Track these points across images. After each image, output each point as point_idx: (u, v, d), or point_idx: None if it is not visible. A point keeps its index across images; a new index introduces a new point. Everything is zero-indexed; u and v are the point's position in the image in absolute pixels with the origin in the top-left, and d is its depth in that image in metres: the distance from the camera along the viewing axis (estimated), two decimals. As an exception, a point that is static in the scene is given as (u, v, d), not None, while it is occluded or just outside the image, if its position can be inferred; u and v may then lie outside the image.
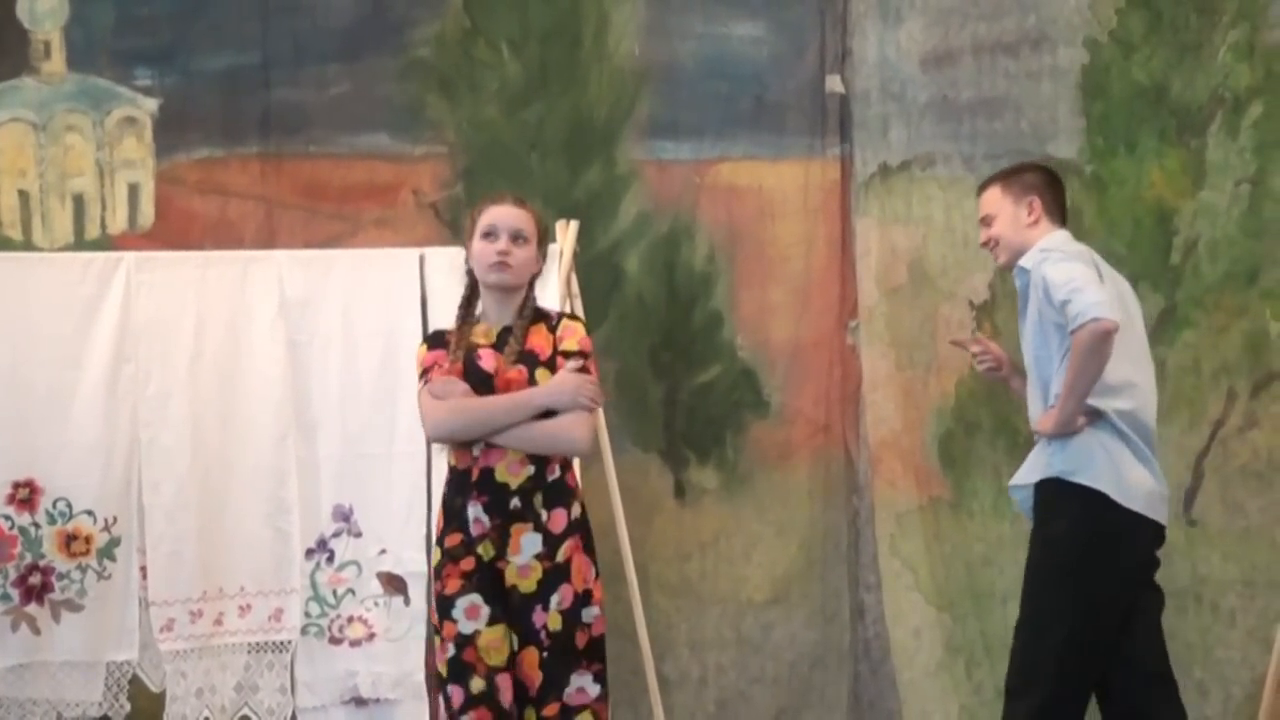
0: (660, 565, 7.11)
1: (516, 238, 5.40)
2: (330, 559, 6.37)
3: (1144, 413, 5.72)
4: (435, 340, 5.49)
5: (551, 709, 5.25)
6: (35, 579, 6.09)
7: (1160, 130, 6.72)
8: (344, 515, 6.37)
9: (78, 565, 6.13)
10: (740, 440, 7.19)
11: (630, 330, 7.17)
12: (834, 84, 7.20)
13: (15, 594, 6.07)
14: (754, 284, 7.20)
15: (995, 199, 5.91)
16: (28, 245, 6.85)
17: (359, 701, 6.37)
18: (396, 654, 6.38)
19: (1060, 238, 5.81)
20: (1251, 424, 6.66)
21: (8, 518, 6.08)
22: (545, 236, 5.57)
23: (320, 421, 6.34)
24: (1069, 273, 5.55)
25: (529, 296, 5.48)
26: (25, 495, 6.09)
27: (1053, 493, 5.67)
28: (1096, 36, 6.83)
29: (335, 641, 6.38)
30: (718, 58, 7.19)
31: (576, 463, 5.52)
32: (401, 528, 6.36)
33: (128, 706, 6.22)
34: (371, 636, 6.39)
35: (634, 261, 7.18)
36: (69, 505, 6.12)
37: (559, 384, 5.30)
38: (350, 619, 6.37)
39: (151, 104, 6.96)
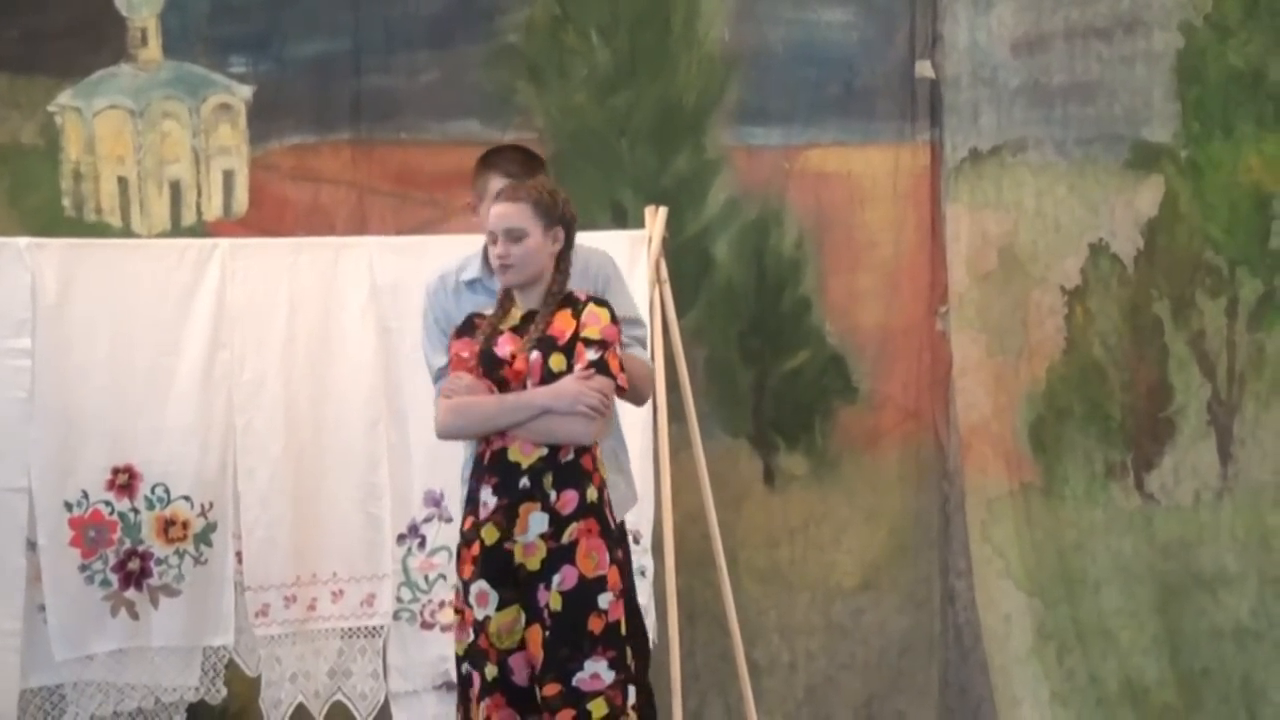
0: (750, 551, 7.11)
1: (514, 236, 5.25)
2: (422, 544, 6.36)
3: None
4: (464, 327, 5.37)
5: (551, 689, 5.16)
6: (134, 564, 6.09)
7: (1257, 115, 6.70)
8: (435, 501, 6.36)
9: (175, 550, 6.12)
10: (829, 426, 7.19)
11: (719, 316, 7.17)
12: (923, 69, 7.18)
13: (115, 579, 6.06)
14: (843, 270, 7.19)
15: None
16: (126, 231, 6.90)
17: (450, 686, 6.32)
18: (488, 639, 6.39)
19: None
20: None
21: (107, 503, 6.07)
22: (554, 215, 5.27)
23: (411, 407, 6.27)
24: None
25: (555, 279, 5.29)
26: (124, 481, 6.08)
27: None
28: (1191, 20, 6.80)
29: (427, 627, 6.38)
30: (807, 43, 7.19)
31: (598, 446, 5.30)
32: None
33: (224, 691, 6.22)
34: (463, 622, 6.41)
35: (723, 247, 7.18)
36: (167, 491, 6.11)
37: (561, 388, 5.18)
38: (442, 604, 6.34)
39: (245, 91, 7.01)
